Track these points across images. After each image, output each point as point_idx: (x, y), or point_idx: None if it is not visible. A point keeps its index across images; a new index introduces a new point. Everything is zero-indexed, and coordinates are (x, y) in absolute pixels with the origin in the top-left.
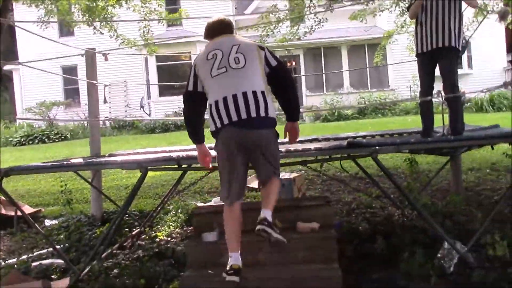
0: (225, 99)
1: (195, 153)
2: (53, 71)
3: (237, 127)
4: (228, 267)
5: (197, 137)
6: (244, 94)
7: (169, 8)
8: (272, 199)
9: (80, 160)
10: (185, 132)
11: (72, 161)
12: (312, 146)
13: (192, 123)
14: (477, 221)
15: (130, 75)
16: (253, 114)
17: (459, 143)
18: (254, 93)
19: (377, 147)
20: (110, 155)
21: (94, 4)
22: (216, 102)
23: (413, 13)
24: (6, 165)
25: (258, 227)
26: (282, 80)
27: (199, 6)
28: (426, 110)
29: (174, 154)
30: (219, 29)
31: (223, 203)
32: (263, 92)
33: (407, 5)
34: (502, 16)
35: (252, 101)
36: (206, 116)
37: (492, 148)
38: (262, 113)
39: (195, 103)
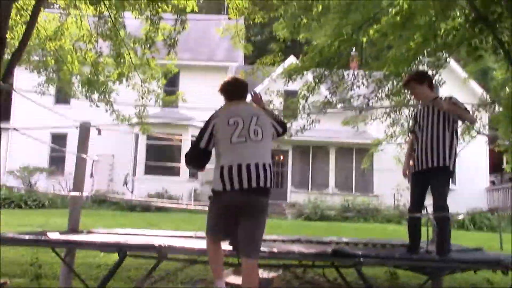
0: (239, 166)
1: (177, 242)
2: (43, 137)
3: (243, 195)
4: None
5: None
6: (256, 166)
7: (167, 89)
8: None
9: (57, 234)
10: (166, 215)
11: (49, 235)
12: (295, 248)
13: (194, 168)
14: None
15: (118, 149)
16: (262, 184)
17: (444, 264)
18: (264, 165)
19: (361, 259)
20: (89, 232)
21: (95, 78)
22: (230, 167)
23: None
24: None
25: None
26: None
27: (196, 89)
28: (413, 228)
29: (156, 242)
30: (237, 92)
31: None
32: (270, 165)
33: (410, 128)
34: (492, 140)
35: (263, 172)
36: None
37: (475, 273)
38: (268, 185)
39: (203, 158)
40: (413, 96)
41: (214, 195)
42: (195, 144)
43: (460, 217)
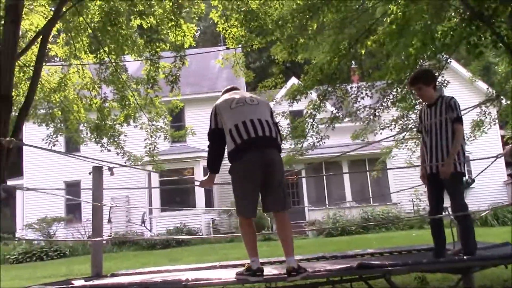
0: (244, 123)
1: (202, 274)
2: (57, 187)
3: (257, 150)
4: (255, 269)
5: (214, 167)
6: (259, 120)
7: (174, 125)
8: (291, 243)
9: (82, 281)
10: (187, 249)
11: (75, 283)
12: (320, 265)
13: (214, 154)
14: None
15: (133, 189)
16: (267, 134)
17: (472, 263)
18: (266, 121)
19: (390, 268)
20: (112, 275)
21: (103, 123)
22: (236, 125)
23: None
24: (3, 285)
25: (290, 278)
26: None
27: (201, 121)
28: (436, 230)
29: (181, 276)
30: (233, 88)
31: None
32: (274, 124)
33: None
34: (511, 154)
35: (265, 124)
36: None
37: (506, 267)
38: (274, 135)
39: (217, 138)
40: (417, 95)
41: (233, 165)
42: (208, 132)
43: (483, 214)
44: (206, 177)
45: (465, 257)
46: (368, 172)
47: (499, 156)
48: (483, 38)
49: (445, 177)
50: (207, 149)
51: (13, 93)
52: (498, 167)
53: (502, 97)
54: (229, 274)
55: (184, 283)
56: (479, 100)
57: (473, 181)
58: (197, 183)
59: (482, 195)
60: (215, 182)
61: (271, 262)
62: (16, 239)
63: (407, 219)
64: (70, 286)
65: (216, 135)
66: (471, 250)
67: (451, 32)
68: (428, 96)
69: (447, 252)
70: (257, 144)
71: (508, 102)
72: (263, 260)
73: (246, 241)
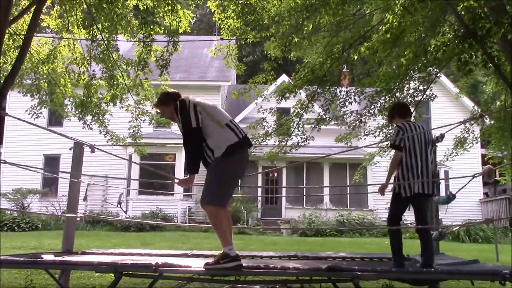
0: (232, 122)
1: (173, 261)
2: (36, 159)
3: (247, 150)
4: (233, 255)
5: (195, 167)
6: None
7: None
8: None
9: (52, 256)
10: (160, 234)
11: (44, 257)
12: (291, 264)
13: (197, 153)
14: None
15: (112, 169)
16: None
17: (440, 276)
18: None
19: (359, 273)
20: (83, 253)
21: (89, 100)
22: (230, 122)
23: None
24: None
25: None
26: None
27: None
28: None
29: (152, 261)
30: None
31: None
32: None
33: (392, 141)
34: (488, 174)
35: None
36: None
37: (472, 284)
38: None
39: (200, 136)
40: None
41: (233, 157)
42: (192, 129)
43: (456, 229)
44: (186, 176)
45: (433, 269)
46: (347, 177)
47: (476, 175)
48: (474, 57)
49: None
50: (187, 147)
51: (1, 60)
52: (475, 185)
53: (486, 116)
54: (200, 263)
55: (154, 267)
56: (464, 116)
57: (454, 196)
58: (176, 180)
59: (457, 211)
60: (194, 182)
61: (243, 256)
62: None
63: (382, 227)
64: (39, 260)
65: (199, 134)
66: (428, 264)
67: (444, 47)
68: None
69: (416, 264)
70: (248, 143)
71: (492, 122)
72: None
73: (223, 230)
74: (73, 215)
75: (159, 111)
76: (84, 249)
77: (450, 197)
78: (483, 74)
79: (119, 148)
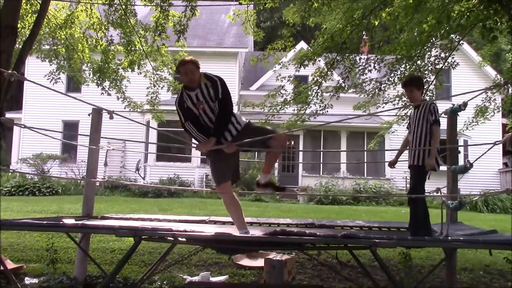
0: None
1: (191, 227)
2: (55, 125)
3: None
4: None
5: (220, 133)
6: None
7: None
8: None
9: (73, 220)
10: (178, 200)
11: (65, 221)
12: (309, 231)
13: (227, 125)
14: None
15: (130, 136)
16: None
17: (458, 244)
18: None
19: (376, 240)
20: (103, 218)
21: (106, 65)
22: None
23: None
24: None
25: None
26: None
27: None
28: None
29: (171, 226)
30: None
31: (215, 281)
32: None
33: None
34: (510, 142)
35: None
36: None
37: (491, 254)
38: None
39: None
40: (407, 96)
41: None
42: (232, 108)
43: (475, 198)
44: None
45: (450, 238)
46: (365, 146)
47: (497, 143)
48: (499, 23)
49: (429, 169)
50: (227, 116)
51: (19, 25)
52: (494, 154)
53: (510, 84)
54: (218, 230)
55: (173, 233)
56: (486, 85)
57: (471, 165)
58: (194, 145)
59: (475, 180)
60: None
61: (260, 223)
62: (11, 170)
63: (398, 195)
64: (61, 223)
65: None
66: (414, 232)
67: (468, 13)
68: (416, 98)
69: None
70: None
71: None
72: (252, 220)
73: (238, 211)
74: (93, 179)
75: (190, 70)
76: (104, 214)
77: (467, 166)
78: (506, 42)
79: (136, 115)
